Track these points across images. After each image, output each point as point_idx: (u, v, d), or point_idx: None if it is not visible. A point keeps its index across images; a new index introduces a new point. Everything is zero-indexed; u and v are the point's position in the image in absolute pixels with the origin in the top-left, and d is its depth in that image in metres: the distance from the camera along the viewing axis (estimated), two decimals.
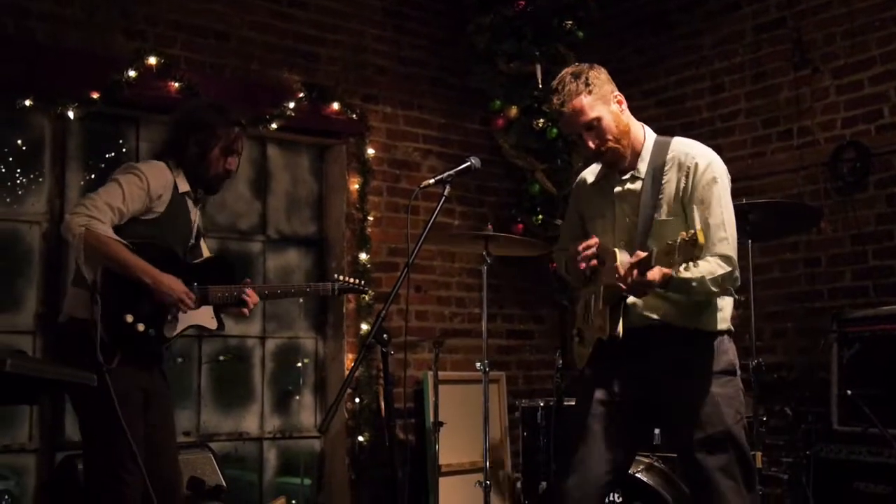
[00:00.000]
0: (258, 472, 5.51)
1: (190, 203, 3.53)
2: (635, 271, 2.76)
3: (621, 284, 2.84)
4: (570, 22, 5.59)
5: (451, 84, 6.27)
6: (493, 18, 5.65)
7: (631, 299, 2.98)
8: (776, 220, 4.26)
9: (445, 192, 3.21)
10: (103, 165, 5.09)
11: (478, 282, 6.13)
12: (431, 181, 3.24)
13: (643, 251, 2.83)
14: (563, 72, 3.11)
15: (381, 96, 5.99)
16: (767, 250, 5.36)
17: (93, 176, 5.05)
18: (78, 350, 3.18)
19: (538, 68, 5.53)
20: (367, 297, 5.60)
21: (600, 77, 3.06)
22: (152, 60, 4.95)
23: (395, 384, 5.61)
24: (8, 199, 4.81)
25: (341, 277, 3.86)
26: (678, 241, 2.62)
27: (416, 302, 5.92)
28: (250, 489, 5.45)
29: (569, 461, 3.08)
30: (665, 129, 5.97)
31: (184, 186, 3.48)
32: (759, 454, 4.01)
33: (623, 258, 2.91)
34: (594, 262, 3.01)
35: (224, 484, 4.51)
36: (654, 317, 3.00)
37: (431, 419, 5.21)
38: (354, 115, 5.74)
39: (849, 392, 4.24)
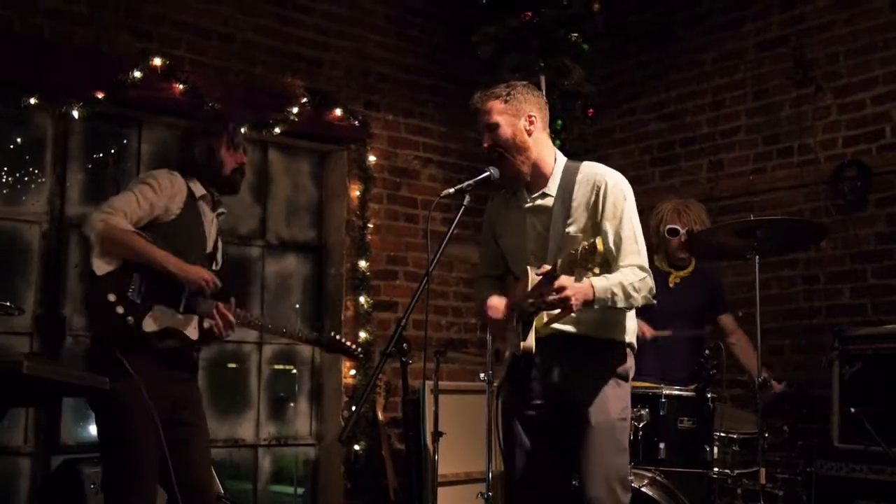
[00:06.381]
0: (253, 480, 5.46)
1: (206, 208, 3.57)
2: (545, 287, 2.87)
3: (536, 301, 2.96)
4: (576, 35, 5.58)
5: (452, 93, 6.26)
6: (499, 29, 5.63)
7: (543, 314, 3.08)
8: (781, 237, 4.28)
9: (466, 202, 3.18)
10: (107, 166, 5.05)
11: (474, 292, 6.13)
12: (451, 191, 3.20)
13: (551, 263, 2.98)
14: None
15: (383, 103, 5.98)
16: (766, 266, 5.32)
17: (93, 176, 5.00)
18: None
19: (542, 80, 5.52)
20: (366, 304, 5.59)
21: (526, 97, 3.25)
22: (157, 61, 4.91)
23: (393, 393, 5.64)
24: (8, 198, 4.74)
25: (337, 336, 3.91)
26: (579, 249, 2.75)
27: (413, 311, 5.88)
28: (244, 496, 5.39)
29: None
30: (666, 144, 6.10)
31: (199, 191, 3.55)
32: (762, 470, 4.03)
33: (534, 276, 3.04)
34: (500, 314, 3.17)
35: (222, 491, 4.47)
36: (565, 329, 3.13)
37: (430, 429, 5.18)
38: (356, 122, 5.72)
39: (852, 409, 4.25)
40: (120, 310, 3.26)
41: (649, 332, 4.45)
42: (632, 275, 3.04)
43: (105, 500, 3.31)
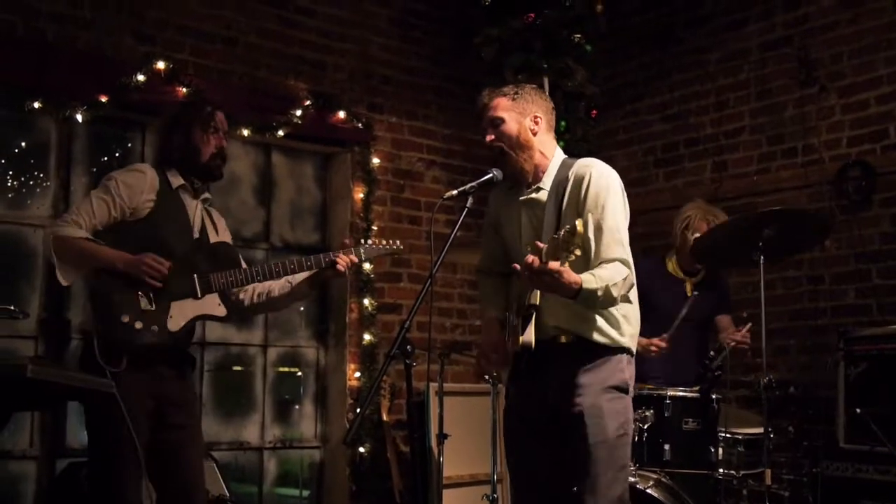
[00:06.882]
0: (258, 482, 5.46)
1: (187, 197, 3.49)
2: (533, 265, 2.83)
3: (530, 282, 2.91)
4: (579, 36, 5.58)
5: (455, 94, 6.27)
6: (502, 30, 5.62)
7: (542, 312, 3.06)
8: (786, 235, 4.25)
9: (469, 204, 3.18)
10: (111, 170, 5.03)
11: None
12: (454, 193, 3.20)
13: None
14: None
15: (387, 105, 5.98)
16: (771, 267, 5.35)
17: (97, 180, 5.00)
18: (87, 359, 3.20)
19: (546, 81, 5.51)
20: (370, 307, 5.60)
21: (534, 98, 3.26)
22: (161, 65, 4.92)
23: (398, 396, 5.64)
24: (13, 202, 4.75)
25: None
26: (561, 233, 2.73)
27: (418, 313, 5.88)
28: (249, 499, 5.40)
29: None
30: (670, 145, 6.10)
31: (177, 181, 3.47)
32: (768, 471, 4.02)
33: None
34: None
35: (228, 493, 4.46)
36: (563, 330, 3.12)
37: (435, 431, 5.18)
38: (360, 124, 5.73)
39: (858, 410, 4.25)
40: (139, 325, 3.23)
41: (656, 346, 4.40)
42: (616, 274, 2.99)
43: (91, 497, 3.30)
